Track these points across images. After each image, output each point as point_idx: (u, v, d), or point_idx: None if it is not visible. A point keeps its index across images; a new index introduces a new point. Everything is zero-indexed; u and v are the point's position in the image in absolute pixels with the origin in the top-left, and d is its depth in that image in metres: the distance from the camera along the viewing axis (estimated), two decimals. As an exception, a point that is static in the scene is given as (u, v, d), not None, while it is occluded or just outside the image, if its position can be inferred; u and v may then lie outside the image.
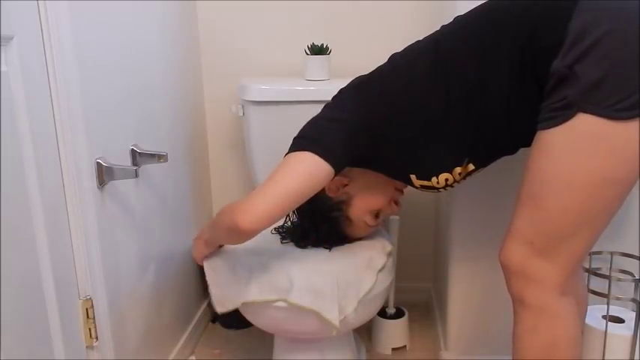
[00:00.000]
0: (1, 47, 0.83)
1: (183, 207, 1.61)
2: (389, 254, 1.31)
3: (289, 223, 1.34)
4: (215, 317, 1.82)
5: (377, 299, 1.28)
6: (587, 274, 1.20)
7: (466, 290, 1.43)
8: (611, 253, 1.30)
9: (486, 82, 0.98)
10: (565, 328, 0.94)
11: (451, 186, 1.11)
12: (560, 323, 0.94)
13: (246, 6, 1.72)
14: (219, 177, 1.89)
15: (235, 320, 1.58)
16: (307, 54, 1.60)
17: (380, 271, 1.25)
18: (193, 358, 1.62)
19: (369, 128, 1.06)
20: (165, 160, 1.26)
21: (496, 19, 0.98)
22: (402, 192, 1.29)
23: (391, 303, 1.66)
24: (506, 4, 0.98)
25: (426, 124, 1.05)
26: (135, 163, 1.23)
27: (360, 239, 1.32)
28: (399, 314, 1.67)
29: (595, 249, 1.23)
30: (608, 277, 1.18)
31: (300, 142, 1.07)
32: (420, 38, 1.10)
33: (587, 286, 1.19)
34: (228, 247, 1.28)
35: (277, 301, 1.16)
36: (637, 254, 1.29)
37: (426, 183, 1.11)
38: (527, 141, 0.94)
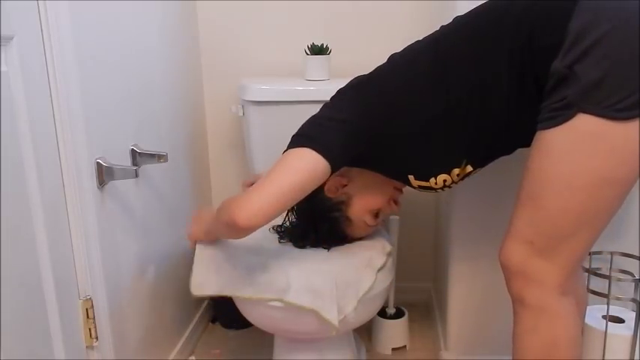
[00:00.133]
0: (1, 47, 0.83)
1: (183, 207, 1.61)
2: (388, 254, 1.30)
3: (288, 223, 1.34)
4: (215, 317, 1.82)
5: (377, 299, 1.28)
6: (587, 274, 1.20)
7: (466, 290, 1.43)
8: (611, 253, 1.30)
9: (486, 82, 0.98)
10: (565, 328, 0.94)
11: (449, 187, 1.11)
12: (560, 323, 0.94)
13: (246, 6, 1.72)
14: (219, 177, 1.89)
15: (235, 320, 1.59)
16: (307, 54, 1.60)
17: (379, 270, 1.25)
18: (193, 358, 1.62)
19: (367, 128, 1.06)
20: (166, 160, 1.26)
21: (496, 19, 0.98)
22: (401, 191, 1.29)
23: (391, 303, 1.66)
24: (506, 4, 0.98)
25: (426, 123, 1.05)
26: (135, 163, 1.23)
27: (359, 239, 1.32)
28: (399, 314, 1.67)
29: (595, 249, 1.23)
30: (608, 277, 1.18)
31: (299, 140, 1.07)
32: (420, 38, 1.10)
33: (587, 286, 1.18)
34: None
35: (273, 300, 1.16)
36: (637, 254, 1.29)
37: (424, 184, 1.12)
38: (526, 141, 0.94)
